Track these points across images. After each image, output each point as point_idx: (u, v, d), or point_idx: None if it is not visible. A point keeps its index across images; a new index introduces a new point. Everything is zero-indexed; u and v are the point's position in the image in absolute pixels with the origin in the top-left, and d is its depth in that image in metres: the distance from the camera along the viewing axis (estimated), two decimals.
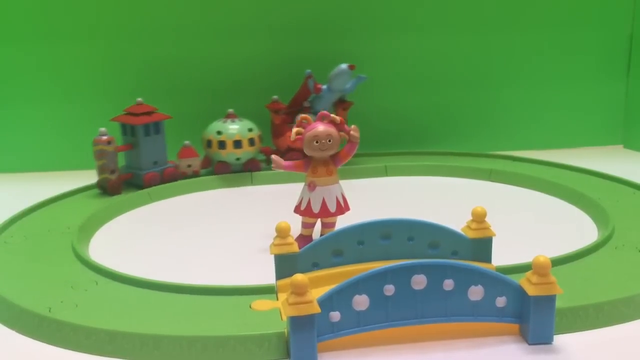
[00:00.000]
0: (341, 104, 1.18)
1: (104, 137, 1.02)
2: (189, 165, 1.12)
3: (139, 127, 1.06)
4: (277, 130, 1.17)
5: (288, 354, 0.57)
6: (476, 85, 1.34)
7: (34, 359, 0.59)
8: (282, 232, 0.67)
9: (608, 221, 0.85)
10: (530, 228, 0.90)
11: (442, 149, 1.29)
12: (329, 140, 0.78)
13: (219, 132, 1.11)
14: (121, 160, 1.08)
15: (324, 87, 1.16)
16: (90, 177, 1.12)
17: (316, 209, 0.80)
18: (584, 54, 1.35)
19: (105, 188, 1.04)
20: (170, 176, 1.10)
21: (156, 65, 1.25)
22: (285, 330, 0.58)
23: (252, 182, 1.15)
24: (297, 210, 0.82)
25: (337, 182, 0.82)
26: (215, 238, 0.89)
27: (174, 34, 1.25)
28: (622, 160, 1.29)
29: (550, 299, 0.57)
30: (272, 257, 0.67)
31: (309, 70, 1.15)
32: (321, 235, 0.80)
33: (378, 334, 0.58)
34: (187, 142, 1.13)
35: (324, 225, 0.83)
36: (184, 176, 1.12)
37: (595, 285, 0.66)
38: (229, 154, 1.11)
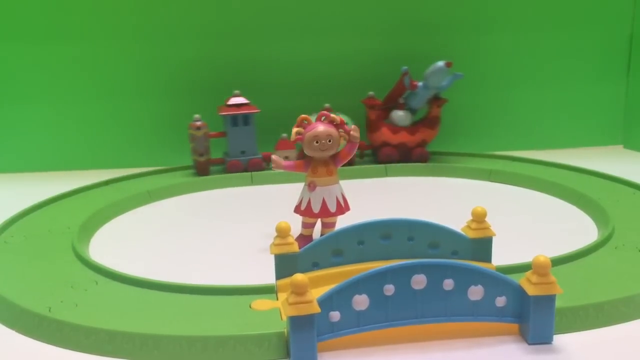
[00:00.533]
0: (436, 101, 1.19)
1: (197, 123, 1.13)
2: (286, 157, 1.15)
3: (227, 117, 1.15)
4: (372, 126, 1.19)
5: (288, 354, 0.57)
6: (476, 85, 1.34)
7: (34, 358, 0.59)
8: (282, 232, 0.67)
9: (608, 221, 0.85)
10: (530, 228, 0.90)
11: (442, 149, 1.28)
12: (329, 140, 0.79)
13: None
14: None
15: (420, 84, 1.16)
16: (90, 177, 1.12)
17: (316, 209, 0.80)
18: (584, 54, 1.35)
19: (195, 168, 1.16)
20: (255, 166, 1.16)
21: (255, 64, 1.29)
22: (285, 330, 0.58)
23: (252, 182, 1.15)
24: (297, 210, 0.82)
25: (337, 182, 0.82)
26: (215, 238, 0.89)
27: (272, 34, 1.28)
28: (622, 160, 1.29)
29: (550, 298, 0.57)
30: (272, 257, 0.67)
31: (405, 67, 1.15)
32: (321, 235, 0.80)
33: (378, 334, 0.58)
34: (284, 134, 1.16)
35: (324, 225, 0.83)
36: None
37: (595, 285, 0.66)
38: None
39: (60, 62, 1.24)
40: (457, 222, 0.72)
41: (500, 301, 0.59)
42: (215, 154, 1.18)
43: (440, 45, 1.31)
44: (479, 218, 0.70)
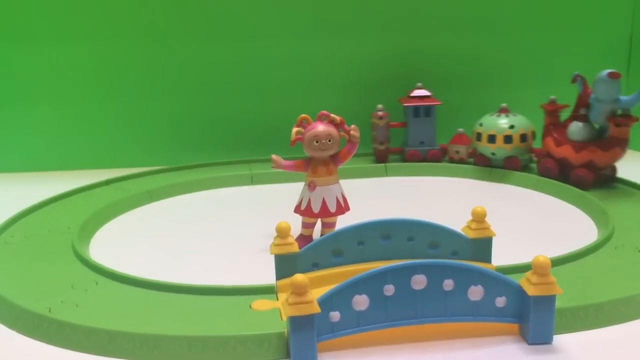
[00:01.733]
0: (613, 119, 1.00)
1: (379, 113, 1.17)
2: (457, 152, 1.18)
3: (409, 108, 1.19)
4: (545, 131, 1.10)
5: (288, 354, 0.57)
6: (476, 85, 1.34)
7: (34, 359, 0.59)
8: (282, 232, 0.67)
9: (608, 221, 0.85)
10: (530, 228, 0.90)
11: None
12: (329, 140, 0.79)
13: (480, 124, 1.13)
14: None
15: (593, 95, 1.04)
16: (90, 177, 1.12)
17: (316, 208, 0.80)
18: (584, 54, 1.35)
19: (374, 156, 1.21)
20: (433, 157, 1.20)
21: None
22: (285, 330, 0.58)
23: (252, 182, 1.15)
24: (297, 210, 0.82)
25: (337, 182, 0.82)
26: (216, 238, 0.89)
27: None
28: (622, 160, 1.28)
29: (550, 299, 0.57)
30: (272, 257, 0.67)
31: (576, 72, 1.09)
32: (321, 235, 0.80)
33: (378, 334, 0.58)
34: (460, 129, 1.19)
35: (324, 225, 0.83)
36: (452, 160, 1.19)
37: (595, 285, 0.66)
38: (484, 147, 1.12)
39: (60, 63, 1.24)
40: (457, 222, 0.72)
41: (500, 301, 0.59)
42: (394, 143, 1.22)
43: (441, 45, 1.31)
44: (479, 218, 0.70)
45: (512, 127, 1.10)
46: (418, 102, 1.19)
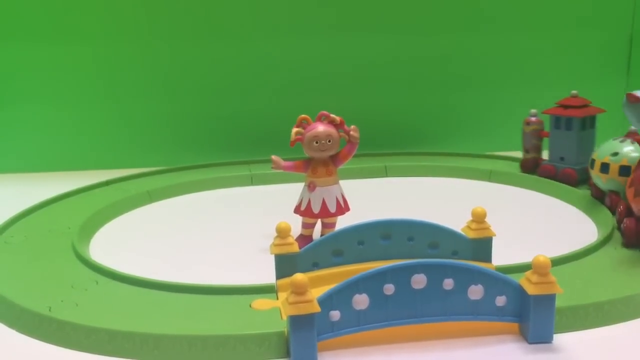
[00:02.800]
0: None
1: (532, 119, 1.10)
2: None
3: (551, 117, 1.06)
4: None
5: (288, 353, 0.57)
6: (476, 85, 1.34)
7: (34, 358, 0.59)
8: (282, 232, 0.67)
9: (608, 221, 0.85)
10: (530, 228, 0.90)
11: (442, 149, 1.29)
12: (329, 141, 0.79)
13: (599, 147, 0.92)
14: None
15: None
16: (90, 177, 1.12)
17: (316, 209, 0.80)
18: (584, 54, 1.35)
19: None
20: (565, 178, 1.04)
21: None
22: (285, 330, 0.58)
23: (252, 182, 1.15)
24: (297, 210, 0.82)
25: (337, 183, 0.82)
26: (216, 238, 0.89)
27: None
28: None
29: (550, 298, 0.57)
30: (272, 257, 0.67)
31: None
32: (321, 235, 0.80)
33: (378, 333, 0.58)
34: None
35: (324, 225, 0.83)
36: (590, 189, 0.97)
37: (595, 285, 0.66)
38: (595, 176, 0.90)
39: (60, 63, 1.24)
40: (457, 222, 0.72)
41: (500, 301, 0.59)
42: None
43: (441, 46, 1.31)
44: (479, 218, 0.70)
45: (615, 154, 0.88)
46: (560, 112, 1.05)
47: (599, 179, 0.89)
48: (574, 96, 1.04)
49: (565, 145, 1.05)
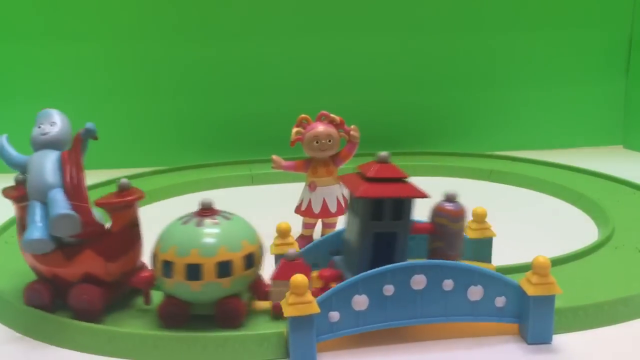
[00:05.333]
0: None
1: None
2: None
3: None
4: None
5: (287, 354, 0.57)
6: (476, 85, 1.34)
7: (34, 358, 0.59)
8: (282, 232, 0.67)
9: (608, 221, 0.85)
10: (530, 228, 0.90)
11: (442, 149, 1.29)
12: (329, 141, 0.79)
13: None
14: None
15: None
16: (90, 177, 1.12)
17: (317, 209, 0.80)
18: (583, 54, 1.35)
19: None
20: None
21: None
22: (285, 330, 0.58)
23: (252, 182, 1.15)
24: (297, 210, 0.82)
25: (338, 183, 0.82)
26: None
27: None
28: (622, 160, 1.29)
29: (550, 299, 0.57)
30: (273, 257, 0.67)
31: None
32: (322, 235, 0.80)
33: (378, 334, 0.58)
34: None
35: (324, 225, 0.83)
36: None
37: (595, 285, 0.66)
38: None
39: (60, 63, 1.24)
40: None
41: (500, 301, 0.59)
42: None
43: (442, 46, 1.31)
44: (479, 218, 0.70)
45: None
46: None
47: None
48: (383, 160, 0.60)
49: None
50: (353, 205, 0.60)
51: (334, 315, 0.56)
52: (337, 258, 0.63)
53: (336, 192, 0.81)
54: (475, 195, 1.07)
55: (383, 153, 0.60)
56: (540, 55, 1.34)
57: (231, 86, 1.28)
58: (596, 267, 0.71)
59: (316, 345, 0.56)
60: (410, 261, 0.58)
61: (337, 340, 0.57)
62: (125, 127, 1.28)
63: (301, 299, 0.54)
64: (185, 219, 0.61)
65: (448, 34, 1.30)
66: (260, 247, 0.62)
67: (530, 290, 0.57)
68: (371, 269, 0.57)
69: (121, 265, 0.63)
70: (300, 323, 0.54)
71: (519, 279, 0.59)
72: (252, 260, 0.60)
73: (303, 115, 0.80)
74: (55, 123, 0.67)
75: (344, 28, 1.28)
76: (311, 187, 0.81)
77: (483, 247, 0.70)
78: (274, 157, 0.81)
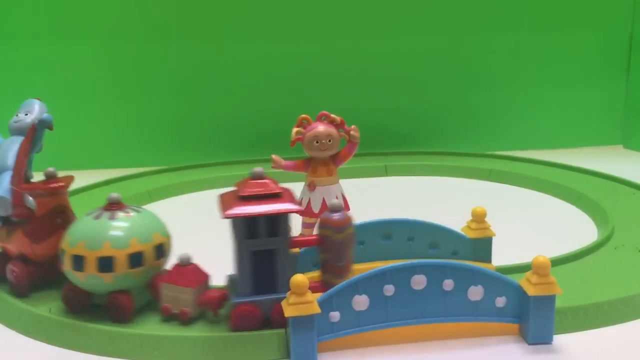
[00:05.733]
0: None
1: None
2: None
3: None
4: None
5: (288, 354, 0.57)
6: (476, 85, 1.34)
7: (34, 359, 0.59)
8: None
9: (608, 221, 0.85)
10: (530, 228, 0.90)
11: (442, 149, 1.29)
12: (329, 141, 0.78)
13: None
14: None
15: None
16: (90, 177, 1.12)
17: (316, 209, 0.80)
18: (583, 54, 1.35)
19: None
20: None
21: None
22: (285, 330, 0.58)
23: None
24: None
25: (337, 182, 0.82)
26: (216, 238, 0.89)
27: None
28: (622, 160, 1.29)
29: (550, 298, 0.57)
30: None
31: None
32: None
33: (378, 334, 0.58)
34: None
35: None
36: None
37: (595, 285, 0.66)
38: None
39: (60, 63, 1.24)
40: (457, 222, 0.72)
41: (500, 301, 0.59)
42: None
43: (442, 46, 1.31)
44: (479, 218, 0.70)
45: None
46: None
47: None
48: (257, 177, 0.61)
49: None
50: (230, 225, 0.59)
51: (335, 316, 0.56)
52: (232, 275, 0.62)
53: (336, 192, 0.81)
54: (475, 195, 1.08)
55: (257, 169, 0.60)
56: (540, 56, 1.34)
57: (231, 86, 1.28)
58: (596, 267, 0.71)
59: (317, 345, 0.56)
60: (410, 261, 0.58)
61: (338, 340, 0.57)
62: (125, 127, 1.28)
63: (302, 299, 0.54)
64: (96, 214, 0.63)
65: (448, 35, 1.30)
66: (169, 240, 0.65)
67: (531, 290, 0.57)
68: (253, 288, 0.58)
69: (45, 247, 0.67)
70: (301, 323, 0.54)
71: (519, 279, 0.59)
72: (162, 252, 0.63)
73: (303, 116, 0.80)
74: (30, 113, 0.72)
75: (344, 28, 1.28)
76: (310, 186, 0.80)
77: (483, 247, 0.70)
78: (274, 156, 0.81)
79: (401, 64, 1.31)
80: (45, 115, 0.72)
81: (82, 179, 1.11)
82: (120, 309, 0.60)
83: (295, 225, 0.76)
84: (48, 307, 0.64)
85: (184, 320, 0.60)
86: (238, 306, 0.58)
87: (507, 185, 1.11)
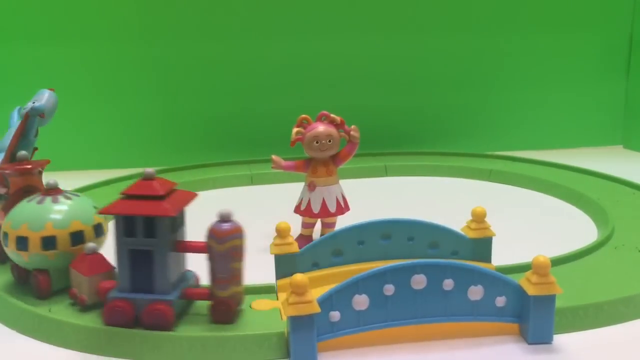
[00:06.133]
0: None
1: None
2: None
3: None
4: None
5: (288, 354, 0.57)
6: (476, 85, 1.34)
7: (34, 358, 0.59)
8: (282, 232, 0.67)
9: (608, 221, 0.85)
10: (530, 228, 0.90)
11: (442, 149, 1.29)
12: (329, 141, 0.79)
13: None
14: None
15: None
16: (90, 177, 1.12)
17: (316, 209, 0.80)
18: (584, 54, 1.35)
19: None
20: None
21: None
22: (285, 330, 0.58)
23: (252, 182, 1.15)
24: (297, 210, 0.82)
25: (337, 182, 0.82)
26: None
27: None
28: (622, 160, 1.29)
29: (550, 298, 0.57)
30: (272, 257, 0.67)
31: None
32: (321, 235, 0.80)
33: (378, 334, 0.58)
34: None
35: (324, 225, 0.83)
36: None
37: (595, 285, 0.66)
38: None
39: (60, 62, 1.24)
40: (457, 222, 0.72)
41: (500, 301, 0.59)
42: None
43: (442, 47, 1.31)
44: (479, 218, 0.70)
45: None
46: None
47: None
48: (148, 177, 0.61)
49: None
50: (131, 230, 0.59)
51: (335, 315, 0.56)
52: (116, 294, 0.61)
53: (335, 192, 0.81)
54: (475, 195, 1.08)
55: (148, 170, 0.61)
56: (540, 56, 1.34)
57: (231, 86, 1.28)
58: (596, 267, 0.71)
59: (317, 345, 0.56)
60: (410, 261, 0.58)
61: (338, 340, 0.57)
62: (125, 127, 1.28)
63: (302, 298, 0.54)
64: (38, 199, 0.66)
65: (448, 35, 1.30)
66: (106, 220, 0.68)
67: (531, 290, 0.57)
68: (132, 284, 0.59)
69: None
70: (301, 323, 0.54)
71: (519, 279, 0.59)
72: (101, 231, 0.68)
73: (303, 116, 0.80)
74: (37, 101, 0.80)
75: (344, 28, 1.28)
76: (310, 187, 0.81)
77: (483, 247, 0.70)
78: (274, 157, 0.81)
79: (401, 64, 1.31)
80: (37, 104, 0.79)
81: (82, 179, 1.12)
82: (37, 285, 0.65)
83: (295, 225, 0.77)
84: (48, 307, 0.64)
85: (82, 306, 0.62)
86: (113, 301, 0.59)
87: (507, 186, 1.11)
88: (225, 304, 0.59)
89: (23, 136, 0.80)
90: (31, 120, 0.80)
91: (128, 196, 0.59)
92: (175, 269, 0.60)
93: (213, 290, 0.60)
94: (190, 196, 0.63)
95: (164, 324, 0.58)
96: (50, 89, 0.83)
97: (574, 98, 1.37)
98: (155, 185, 0.59)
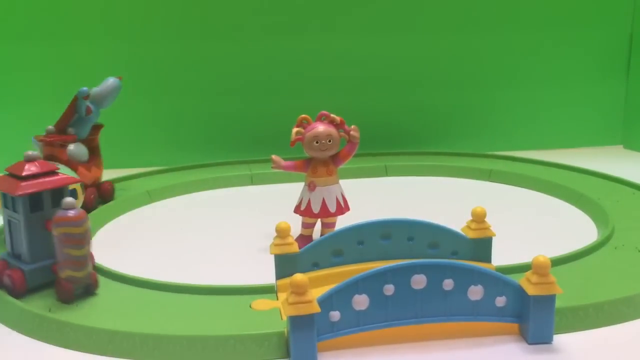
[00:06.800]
0: None
1: None
2: None
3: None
4: None
5: (288, 354, 0.57)
6: (476, 85, 1.34)
7: (34, 358, 0.59)
8: (282, 232, 0.67)
9: (608, 221, 0.85)
10: (530, 228, 0.90)
11: (442, 149, 1.29)
12: (329, 141, 0.79)
13: None
14: None
15: None
16: None
17: (316, 209, 0.80)
18: (583, 54, 1.35)
19: None
20: None
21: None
22: (285, 330, 0.58)
23: (252, 182, 1.15)
24: (297, 210, 0.82)
25: (337, 182, 0.82)
26: (215, 238, 0.89)
27: None
28: (622, 160, 1.29)
29: (550, 298, 0.57)
30: (272, 257, 0.67)
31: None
32: (321, 235, 0.80)
33: (378, 334, 0.58)
34: None
35: (324, 225, 0.83)
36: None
37: (595, 285, 0.66)
38: None
39: (60, 62, 1.24)
40: (457, 222, 0.72)
41: (500, 301, 0.59)
42: None
43: (442, 46, 1.31)
44: (479, 218, 0.70)
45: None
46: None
47: None
48: (30, 159, 0.68)
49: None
50: (7, 203, 0.68)
51: (335, 315, 0.56)
52: (3, 254, 0.70)
53: (335, 192, 0.81)
54: (475, 195, 1.08)
55: (29, 152, 0.68)
56: (540, 55, 1.34)
57: (231, 86, 1.28)
58: (596, 267, 0.71)
59: (317, 344, 0.56)
60: (410, 261, 0.58)
61: (338, 340, 0.57)
62: (125, 127, 1.28)
63: (302, 298, 0.54)
64: None
65: (448, 35, 1.30)
66: None
67: (531, 290, 0.57)
68: (11, 249, 0.69)
69: None
70: (301, 323, 0.54)
71: (519, 279, 0.59)
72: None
73: (303, 116, 0.80)
74: (100, 86, 0.98)
75: (344, 28, 1.28)
76: (310, 187, 0.81)
77: (483, 247, 0.70)
78: (274, 157, 0.81)
79: (401, 64, 1.31)
80: (83, 88, 0.95)
81: None
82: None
83: (295, 225, 0.77)
84: (48, 307, 0.64)
85: None
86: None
87: (507, 186, 1.11)
88: (61, 285, 0.65)
89: (73, 115, 0.96)
90: (79, 101, 0.95)
91: (9, 174, 0.68)
92: (41, 243, 0.67)
93: (56, 271, 0.66)
94: (66, 181, 0.68)
95: (12, 290, 0.66)
96: (118, 77, 1.00)
97: (574, 98, 1.37)
98: (24, 167, 0.67)
